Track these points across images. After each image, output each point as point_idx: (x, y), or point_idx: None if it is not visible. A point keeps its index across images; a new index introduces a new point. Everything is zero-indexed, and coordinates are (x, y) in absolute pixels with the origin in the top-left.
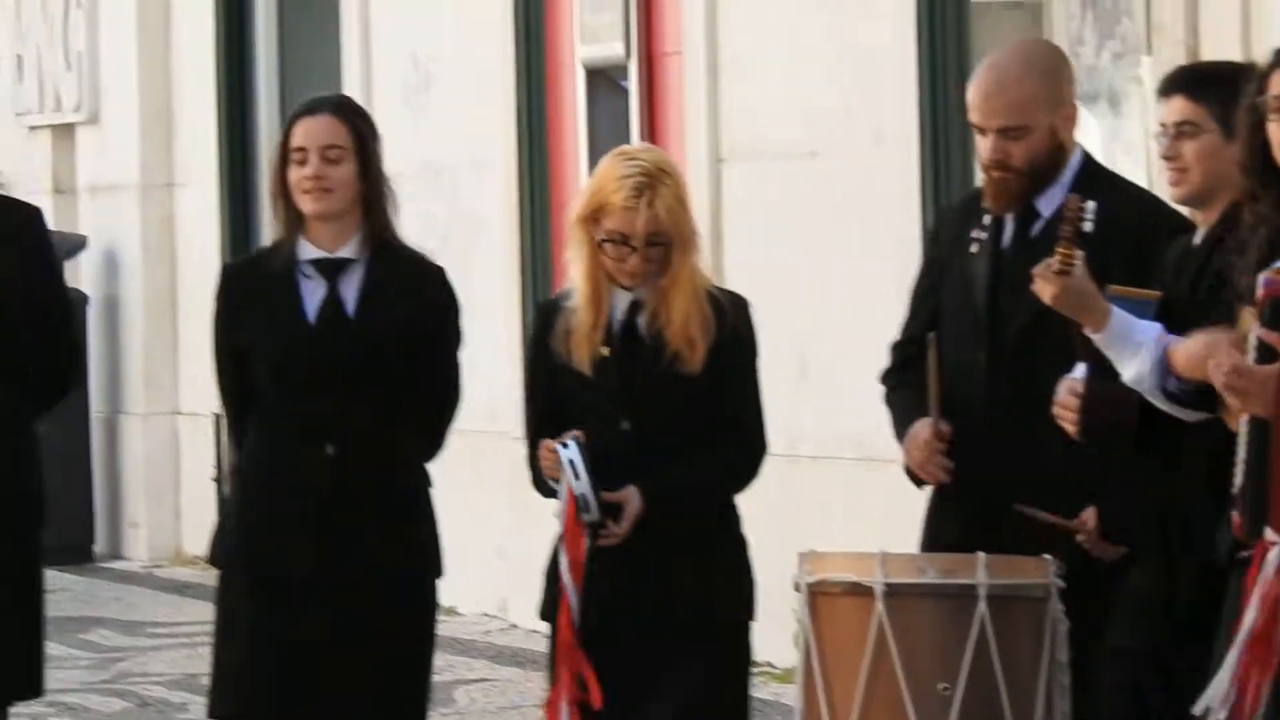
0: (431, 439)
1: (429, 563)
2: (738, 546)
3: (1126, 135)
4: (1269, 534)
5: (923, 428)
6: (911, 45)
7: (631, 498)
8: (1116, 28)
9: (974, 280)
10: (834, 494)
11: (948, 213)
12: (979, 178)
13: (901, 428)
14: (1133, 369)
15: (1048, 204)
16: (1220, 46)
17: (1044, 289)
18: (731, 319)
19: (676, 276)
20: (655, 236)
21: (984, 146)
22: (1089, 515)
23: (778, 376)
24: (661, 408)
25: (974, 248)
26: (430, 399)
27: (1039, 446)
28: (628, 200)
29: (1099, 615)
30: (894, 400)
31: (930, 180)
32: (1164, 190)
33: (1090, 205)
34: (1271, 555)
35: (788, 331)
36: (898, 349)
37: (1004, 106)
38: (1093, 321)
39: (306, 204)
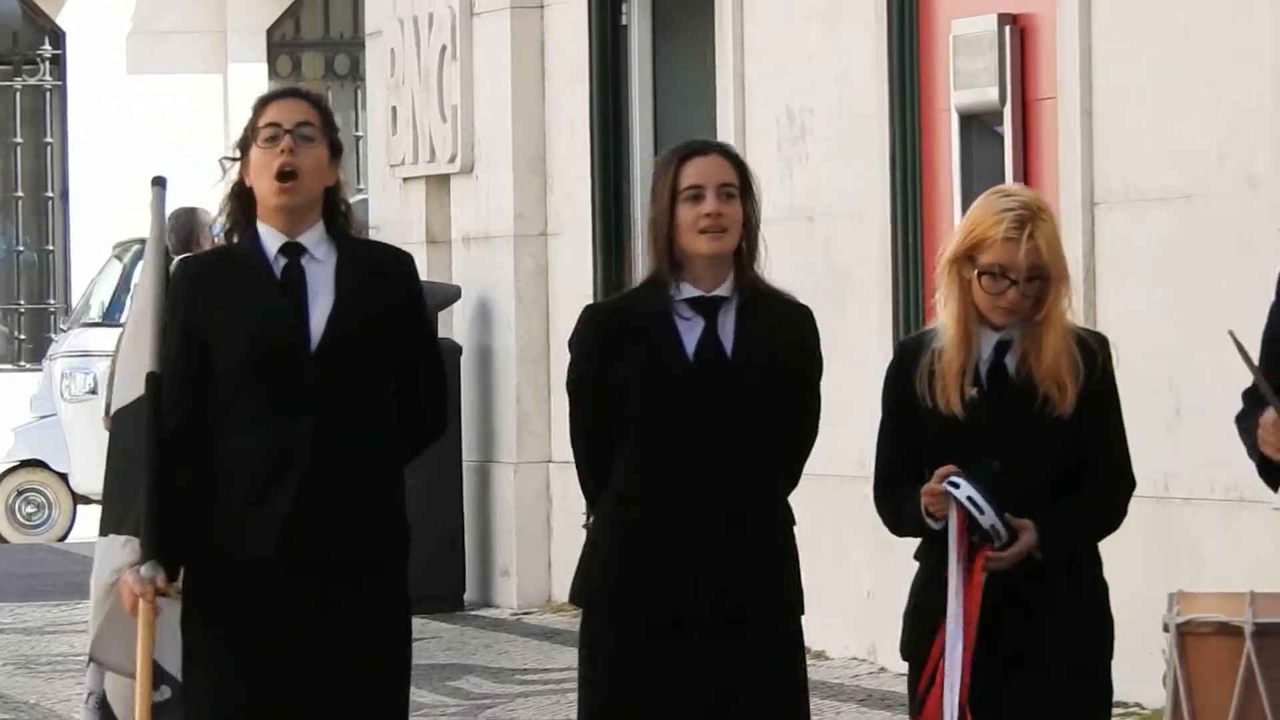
0: (790, 474)
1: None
2: (1104, 591)
3: None
4: None
5: (1269, 414)
6: None
7: (1028, 529)
8: None
9: None
10: (1205, 535)
11: None
12: None
13: (1251, 437)
14: None
15: None
16: None
17: None
18: (1100, 360)
19: (1050, 313)
20: (1036, 270)
21: None
22: None
23: (1152, 417)
24: (1033, 449)
25: None
26: (790, 435)
27: None
28: (1009, 232)
29: None
30: (1244, 428)
31: None
32: None
33: None
34: None
35: (1161, 373)
36: (1250, 395)
37: None
38: None
39: (703, 244)
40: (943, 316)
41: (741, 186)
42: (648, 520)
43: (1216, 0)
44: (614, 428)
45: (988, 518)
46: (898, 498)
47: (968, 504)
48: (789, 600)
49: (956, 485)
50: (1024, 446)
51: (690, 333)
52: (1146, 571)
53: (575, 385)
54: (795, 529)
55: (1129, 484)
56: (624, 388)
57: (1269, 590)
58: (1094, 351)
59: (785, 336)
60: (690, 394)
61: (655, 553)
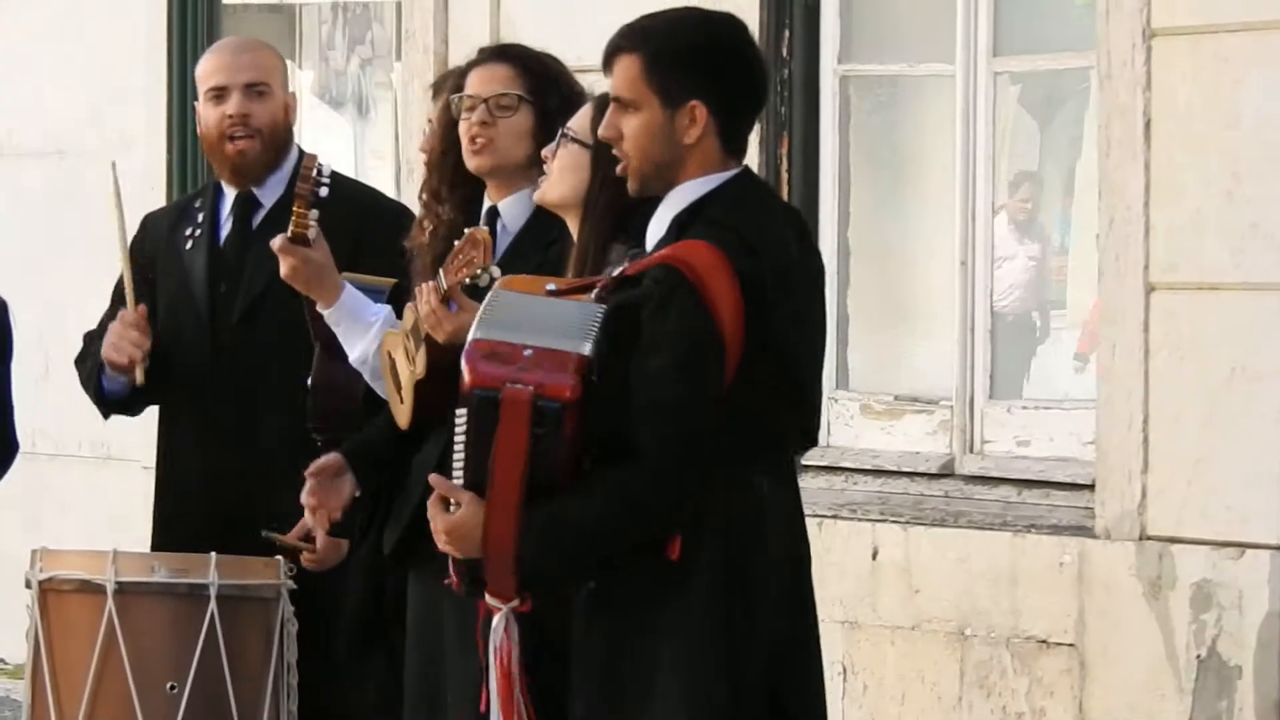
0: None
1: None
2: None
3: (375, 140)
4: (490, 599)
5: (126, 314)
6: (162, 47)
7: None
8: (367, 34)
9: (192, 274)
10: (71, 492)
11: (152, 218)
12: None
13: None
14: (359, 349)
15: (269, 195)
16: (469, 53)
17: (282, 261)
18: None
19: None
20: None
21: (222, 110)
22: (318, 537)
23: (22, 375)
24: None
25: (189, 244)
26: None
27: (260, 435)
28: None
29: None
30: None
31: (177, 180)
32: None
33: (326, 167)
34: (497, 621)
35: (31, 331)
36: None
37: (251, 64)
38: (325, 297)
39: None
40: None
41: None
42: None
43: None
44: None
45: None
46: None
47: None
48: None
49: None
50: None
51: None
52: (14, 527)
53: None
54: None
55: (13, 448)
56: None
57: (131, 549)
58: None
59: None
60: None
61: None
